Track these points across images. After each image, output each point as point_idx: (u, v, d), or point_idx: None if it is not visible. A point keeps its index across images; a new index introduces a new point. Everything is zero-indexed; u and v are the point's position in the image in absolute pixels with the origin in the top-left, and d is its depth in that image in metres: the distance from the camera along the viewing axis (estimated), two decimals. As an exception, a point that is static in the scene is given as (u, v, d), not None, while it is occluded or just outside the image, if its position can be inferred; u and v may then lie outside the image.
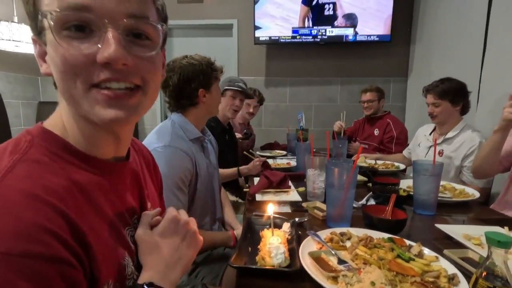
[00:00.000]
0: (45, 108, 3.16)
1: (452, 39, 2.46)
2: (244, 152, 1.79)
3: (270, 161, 1.83)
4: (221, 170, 1.49)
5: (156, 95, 0.47)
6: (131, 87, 0.41)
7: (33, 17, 0.39)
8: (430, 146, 1.79)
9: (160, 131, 1.10)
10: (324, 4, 2.96)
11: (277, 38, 3.06)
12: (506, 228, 0.85)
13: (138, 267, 0.48)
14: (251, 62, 3.27)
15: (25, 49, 2.34)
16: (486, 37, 2.03)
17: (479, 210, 1.15)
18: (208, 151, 1.24)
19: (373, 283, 0.52)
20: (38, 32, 0.41)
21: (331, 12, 2.97)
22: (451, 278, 0.58)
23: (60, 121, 0.44)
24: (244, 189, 1.31)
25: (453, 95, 1.61)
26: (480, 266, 0.55)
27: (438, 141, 1.70)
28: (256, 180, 1.40)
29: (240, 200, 1.79)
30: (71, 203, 0.37)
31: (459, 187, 1.29)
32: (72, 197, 0.38)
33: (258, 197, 1.19)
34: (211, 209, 1.22)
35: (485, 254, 0.69)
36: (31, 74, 3.21)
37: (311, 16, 3.00)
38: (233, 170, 1.63)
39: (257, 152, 2.22)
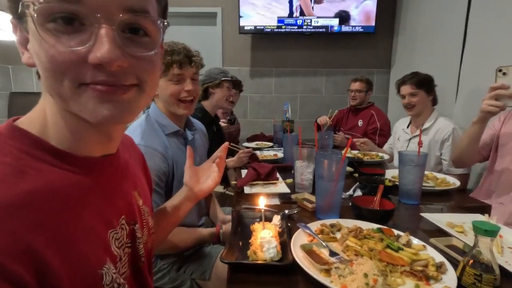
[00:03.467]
0: (18, 99, 2.97)
1: (433, 33, 2.51)
2: (228, 145, 1.75)
3: (256, 152, 1.82)
4: None
5: (153, 93, 0.43)
6: (125, 84, 0.37)
7: None
8: (410, 138, 1.86)
9: (132, 127, 1.03)
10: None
11: (262, 27, 3.01)
12: (486, 215, 0.89)
13: (133, 270, 0.45)
14: (236, 52, 3.21)
15: (-7, 35, 2.18)
16: (466, 31, 2.09)
17: (460, 198, 1.19)
18: (194, 145, 1.19)
19: (366, 275, 0.53)
20: (19, 16, 0.35)
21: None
22: (439, 266, 0.60)
23: (40, 117, 0.39)
24: (232, 182, 1.29)
25: (427, 85, 1.73)
26: (467, 254, 0.57)
27: (415, 133, 1.79)
28: (244, 172, 1.38)
29: (228, 192, 1.77)
30: (27, 214, 0.32)
31: (440, 176, 1.33)
32: (32, 206, 0.32)
33: (247, 189, 1.18)
34: (196, 206, 1.19)
35: (468, 241, 0.72)
36: (1, 63, 3.00)
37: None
38: None
39: (243, 144, 2.20)
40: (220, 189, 1.74)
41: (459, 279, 0.55)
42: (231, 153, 1.73)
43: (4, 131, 0.37)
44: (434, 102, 1.80)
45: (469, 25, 2.07)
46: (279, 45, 3.19)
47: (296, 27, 3.01)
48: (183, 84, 1.06)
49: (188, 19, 3.21)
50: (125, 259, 0.45)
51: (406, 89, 1.76)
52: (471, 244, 0.70)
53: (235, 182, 1.24)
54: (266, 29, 3.02)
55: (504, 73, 1.06)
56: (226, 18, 3.14)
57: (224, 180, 1.85)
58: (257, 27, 3.01)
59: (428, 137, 1.75)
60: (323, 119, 2.43)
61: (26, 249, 0.30)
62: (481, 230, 0.53)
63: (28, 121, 0.39)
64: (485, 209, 1.08)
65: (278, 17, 2.98)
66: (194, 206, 1.18)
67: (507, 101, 1.05)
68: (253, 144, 2.21)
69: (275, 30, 3.02)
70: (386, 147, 2.14)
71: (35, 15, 0.32)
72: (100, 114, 0.36)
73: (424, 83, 1.73)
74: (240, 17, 2.97)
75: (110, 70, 0.35)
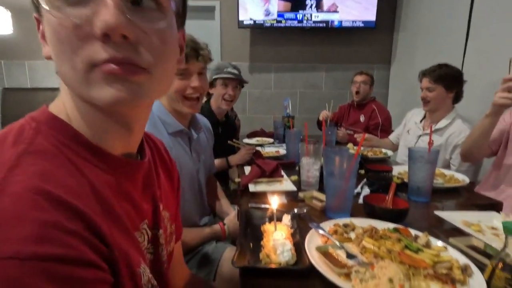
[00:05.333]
0: (11, 95, 2.88)
1: (435, 28, 2.47)
2: (229, 142, 1.70)
3: (258, 149, 1.78)
4: None
5: (168, 80, 0.40)
6: (135, 63, 0.34)
7: None
8: (420, 135, 1.79)
9: None
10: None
11: (262, 22, 2.95)
12: (502, 213, 0.86)
13: (155, 273, 0.42)
14: (235, 46, 3.15)
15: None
16: (469, 27, 2.06)
17: (469, 195, 1.16)
18: (199, 144, 1.15)
19: (391, 280, 0.49)
20: (37, 8, 0.35)
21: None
22: (464, 269, 0.57)
23: (63, 108, 0.37)
24: (236, 179, 1.25)
25: (448, 81, 1.61)
26: (495, 256, 0.53)
27: (428, 131, 1.69)
28: (247, 169, 1.34)
29: (232, 187, 1.73)
30: (87, 201, 0.32)
31: (448, 172, 1.30)
32: (87, 195, 0.33)
33: (251, 187, 1.14)
34: (198, 206, 1.16)
35: (488, 241, 0.69)
36: (-7, 57, 2.92)
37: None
38: (222, 160, 1.56)
39: (244, 140, 2.16)
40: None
41: (488, 283, 0.52)
42: (232, 149, 1.69)
43: (43, 119, 0.36)
44: (456, 100, 1.67)
45: (472, 21, 2.04)
46: (279, 40, 3.14)
47: (296, 21, 2.95)
48: (189, 79, 0.99)
49: (187, 13, 3.13)
50: (148, 265, 0.42)
51: (424, 82, 1.66)
52: (492, 244, 0.68)
53: (239, 179, 1.20)
54: (265, 24, 2.96)
55: None
56: (225, 12, 3.07)
57: (224, 178, 1.81)
58: (257, 22, 2.95)
59: (442, 139, 1.64)
60: (324, 114, 2.38)
61: (99, 231, 0.31)
62: (511, 230, 0.50)
63: (58, 110, 0.37)
64: (496, 206, 1.05)
65: (278, 11, 2.92)
66: (196, 206, 1.15)
67: None
68: (253, 141, 2.17)
69: (274, 24, 2.96)
70: (392, 136, 2.07)
71: None
72: (109, 94, 0.33)
73: (444, 78, 1.60)
74: (239, 11, 2.90)
75: (116, 41, 0.32)
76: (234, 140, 1.70)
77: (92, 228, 0.30)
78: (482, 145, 1.28)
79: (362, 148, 1.85)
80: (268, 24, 2.96)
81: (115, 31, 0.31)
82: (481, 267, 0.57)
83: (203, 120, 1.23)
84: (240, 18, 2.93)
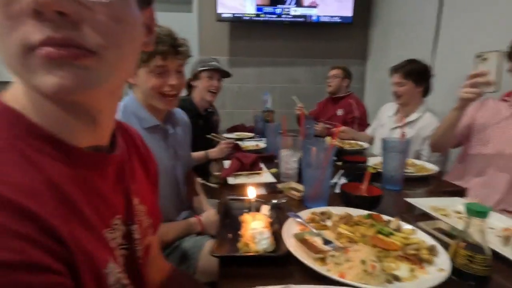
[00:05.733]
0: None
1: (407, 24, 2.56)
2: (208, 136, 1.70)
3: (238, 143, 1.78)
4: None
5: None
6: (78, 45, 0.30)
7: None
8: (394, 128, 1.87)
9: None
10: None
11: (241, 15, 2.93)
12: (465, 198, 0.92)
13: (131, 272, 0.41)
14: (214, 40, 3.11)
15: None
16: (439, 23, 2.15)
17: (438, 183, 1.23)
18: (175, 140, 1.13)
19: (363, 261, 0.52)
20: None
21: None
22: (431, 249, 0.60)
23: (18, 97, 0.33)
24: (215, 173, 1.25)
25: (416, 76, 1.70)
26: (458, 236, 0.57)
27: (401, 124, 1.78)
28: (226, 163, 1.34)
29: (209, 184, 1.72)
30: (41, 200, 0.29)
31: (419, 162, 1.37)
32: (41, 193, 0.29)
33: (231, 180, 1.14)
34: (175, 201, 1.14)
35: (452, 223, 0.74)
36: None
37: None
38: (201, 153, 1.55)
39: (224, 135, 2.15)
40: (200, 180, 1.68)
41: (452, 261, 0.56)
42: (212, 143, 1.68)
43: None
44: (425, 93, 1.76)
45: (442, 17, 2.14)
46: (258, 34, 3.13)
47: (275, 16, 2.96)
48: (166, 77, 0.95)
49: (161, 5, 3.03)
50: (121, 261, 0.41)
51: (395, 77, 1.75)
52: (456, 226, 0.73)
53: (219, 173, 1.20)
54: (244, 17, 2.94)
55: (484, 59, 1.08)
56: (203, 5, 3.02)
57: (205, 172, 1.80)
58: (236, 15, 2.93)
59: (413, 131, 1.72)
60: (298, 110, 2.37)
61: (55, 233, 0.29)
62: (473, 211, 0.53)
63: (12, 99, 0.33)
64: (461, 192, 1.12)
65: (257, 5, 2.91)
66: (173, 201, 1.14)
67: (484, 87, 1.09)
68: (233, 135, 2.17)
69: (254, 18, 2.95)
70: (369, 130, 2.14)
71: None
72: (50, 82, 0.29)
73: (413, 73, 1.70)
74: (217, 3, 2.86)
75: (51, 19, 0.28)
76: (213, 134, 1.69)
77: (46, 230, 0.28)
78: (449, 137, 1.35)
79: (338, 140, 1.90)
80: (247, 18, 2.94)
81: (46, 6, 0.27)
82: (446, 247, 0.61)
83: (180, 115, 1.21)
84: (219, 11, 2.89)
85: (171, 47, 0.93)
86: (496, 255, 0.61)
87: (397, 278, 0.53)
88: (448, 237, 0.69)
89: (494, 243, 0.66)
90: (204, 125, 1.81)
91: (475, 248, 0.53)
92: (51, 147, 0.33)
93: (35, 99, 0.33)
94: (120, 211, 0.42)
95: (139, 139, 0.57)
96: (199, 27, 3.06)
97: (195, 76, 1.75)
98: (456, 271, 0.55)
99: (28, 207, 0.27)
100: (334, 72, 2.47)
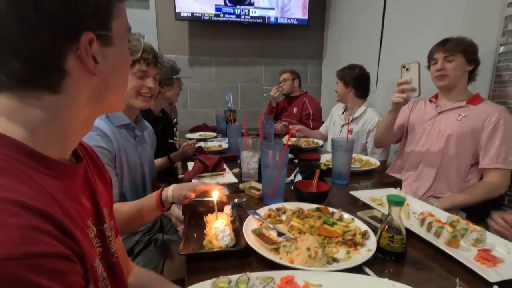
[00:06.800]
0: None
1: (356, 28, 2.79)
2: (170, 140, 1.73)
3: (201, 144, 1.83)
4: None
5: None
6: None
7: None
8: (343, 125, 2.08)
9: None
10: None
11: (200, 15, 2.93)
12: (398, 189, 1.08)
13: (108, 268, 0.48)
14: (173, 39, 3.08)
15: None
16: (383, 28, 2.39)
17: (380, 176, 1.41)
18: (143, 141, 1.18)
19: (308, 249, 0.62)
20: None
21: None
22: (364, 234, 0.73)
23: (2, 123, 0.38)
24: (179, 176, 1.30)
25: (346, 79, 1.99)
26: (383, 222, 0.70)
27: (347, 121, 2.00)
28: (190, 165, 1.39)
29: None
30: (50, 205, 0.35)
31: (365, 157, 1.55)
32: (47, 200, 0.36)
33: (194, 182, 1.20)
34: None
35: (386, 212, 0.88)
36: None
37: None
38: (163, 158, 1.58)
39: (186, 135, 2.17)
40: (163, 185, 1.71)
41: (378, 242, 0.69)
42: (173, 147, 1.71)
43: None
44: (363, 95, 2.02)
45: (385, 22, 2.37)
46: (218, 34, 3.16)
47: (234, 16, 3.01)
48: (145, 80, 1.13)
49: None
50: (99, 258, 0.47)
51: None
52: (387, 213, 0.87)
53: (182, 175, 1.25)
54: (204, 17, 2.95)
55: (407, 69, 1.28)
56: (160, 2, 2.97)
57: (171, 176, 1.82)
58: (195, 14, 2.93)
59: (358, 126, 1.98)
60: (274, 91, 2.65)
61: (68, 232, 0.35)
62: (392, 201, 0.67)
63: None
64: (398, 183, 1.31)
65: (216, 5, 2.94)
66: (142, 196, 1.16)
67: (410, 93, 1.28)
68: (196, 135, 2.20)
69: (213, 18, 2.97)
70: (322, 128, 2.36)
71: None
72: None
73: (343, 77, 2.00)
74: (176, 2, 2.84)
75: None
76: (174, 138, 1.73)
77: (61, 228, 0.34)
78: (388, 135, 1.55)
79: (296, 139, 2.05)
80: (206, 17, 2.96)
81: None
82: (376, 231, 0.74)
83: (147, 124, 1.28)
84: (177, 10, 2.87)
85: (153, 57, 1.13)
86: (413, 234, 0.76)
87: (335, 260, 0.65)
88: (380, 223, 0.83)
89: (414, 225, 0.82)
90: (162, 130, 1.85)
91: (395, 230, 0.67)
92: (39, 164, 0.39)
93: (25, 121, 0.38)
94: (90, 214, 0.48)
95: (93, 153, 0.62)
96: (157, 25, 3.01)
97: (170, 83, 1.83)
98: (380, 250, 0.68)
99: (45, 210, 0.33)
100: (284, 76, 2.70)
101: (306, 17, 3.16)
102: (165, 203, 0.87)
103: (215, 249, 0.66)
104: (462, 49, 1.33)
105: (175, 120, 2.34)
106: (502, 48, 1.48)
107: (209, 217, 0.76)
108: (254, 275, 0.56)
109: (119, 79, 0.47)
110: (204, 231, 0.73)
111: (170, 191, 0.87)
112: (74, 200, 0.44)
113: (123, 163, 1.06)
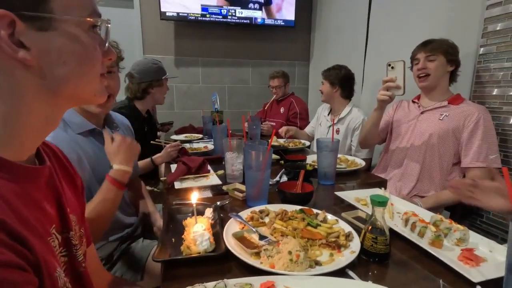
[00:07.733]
0: None
1: (343, 30, 2.81)
2: (152, 142, 1.68)
3: (186, 145, 1.79)
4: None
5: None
6: None
7: None
8: (329, 126, 2.08)
9: None
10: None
11: (186, 15, 2.89)
12: (383, 189, 1.08)
13: (75, 278, 0.45)
14: (158, 39, 3.02)
15: None
16: (368, 31, 2.41)
17: (365, 176, 1.41)
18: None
19: (290, 252, 0.60)
20: None
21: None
22: (347, 236, 0.72)
23: None
24: (161, 178, 1.25)
25: (332, 79, 1.99)
26: (367, 222, 0.69)
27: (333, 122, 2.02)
28: (173, 167, 1.35)
29: (156, 190, 1.71)
30: (6, 213, 0.32)
31: (350, 158, 1.54)
32: (3, 208, 0.33)
33: (177, 184, 1.16)
34: (121, 205, 1.12)
35: (370, 212, 0.87)
36: None
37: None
38: (146, 160, 1.53)
39: (172, 137, 2.13)
40: (148, 187, 1.66)
41: (362, 243, 0.67)
42: (156, 149, 1.66)
43: None
44: (348, 95, 2.03)
45: (370, 26, 2.39)
46: (205, 34, 3.12)
47: (220, 16, 2.98)
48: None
49: None
50: (64, 268, 0.44)
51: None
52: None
53: (165, 178, 1.21)
54: (190, 17, 2.91)
55: (392, 67, 1.29)
56: (145, 1, 2.91)
57: (154, 178, 1.77)
58: (180, 14, 2.88)
59: (344, 126, 1.99)
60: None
61: (17, 236, 0.33)
62: (375, 202, 0.65)
63: None
64: (382, 183, 1.31)
65: (202, 5, 2.90)
66: (120, 205, 1.12)
67: (395, 91, 1.29)
68: (182, 137, 2.15)
69: (199, 18, 2.93)
70: (308, 129, 2.35)
71: None
72: None
73: (329, 76, 2.00)
74: (161, 1, 2.78)
75: None
76: (157, 139, 1.68)
77: (12, 235, 0.32)
78: (373, 134, 1.55)
79: (283, 140, 2.03)
80: (192, 17, 2.92)
81: None
82: (361, 232, 0.73)
83: (120, 119, 1.19)
84: (162, 9, 2.81)
85: (118, 58, 0.99)
86: (397, 234, 0.75)
87: (318, 263, 0.62)
88: (364, 223, 0.81)
89: (398, 225, 0.81)
90: (148, 130, 1.81)
91: (378, 231, 0.65)
92: None
93: None
94: (54, 221, 0.44)
95: (60, 153, 0.57)
96: (142, 25, 2.95)
97: (161, 84, 1.81)
98: (364, 251, 0.66)
99: None
100: (276, 82, 2.68)
101: (293, 18, 3.17)
102: (118, 178, 0.88)
103: (193, 255, 0.63)
104: (443, 50, 1.35)
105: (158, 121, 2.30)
106: (482, 49, 1.50)
107: (188, 221, 0.73)
108: (232, 281, 0.53)
109: (74, 70, 0.40)
110: (183, 236, 0.70)
111: (113, 167, 0.90)
112: (34, 205, 0.40)
113: (84, 171, 0.94)
